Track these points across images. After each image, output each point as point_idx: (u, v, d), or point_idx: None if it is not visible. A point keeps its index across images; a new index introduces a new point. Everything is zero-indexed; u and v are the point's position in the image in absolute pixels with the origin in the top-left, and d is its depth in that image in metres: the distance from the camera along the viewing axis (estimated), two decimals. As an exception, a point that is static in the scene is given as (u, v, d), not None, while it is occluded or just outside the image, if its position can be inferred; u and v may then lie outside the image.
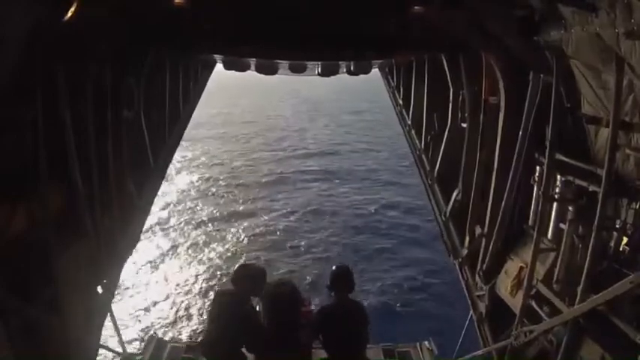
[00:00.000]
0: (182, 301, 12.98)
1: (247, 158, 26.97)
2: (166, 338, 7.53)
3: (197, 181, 23.01)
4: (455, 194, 5.64)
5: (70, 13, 2.82)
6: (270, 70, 5.65)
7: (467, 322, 5.52)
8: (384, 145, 28.11)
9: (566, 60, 3.21)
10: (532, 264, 3.71)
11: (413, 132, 7.44)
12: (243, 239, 16.97)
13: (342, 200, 20.61)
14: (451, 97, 5.72)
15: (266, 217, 18.99)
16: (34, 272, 3.19)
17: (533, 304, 3.72)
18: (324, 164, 25.96)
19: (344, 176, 24.24)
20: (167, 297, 13.33)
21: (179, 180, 22.62)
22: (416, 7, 3.60)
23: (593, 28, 2.59)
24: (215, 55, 5.87)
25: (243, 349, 4.11)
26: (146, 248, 15.77)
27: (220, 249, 16.28)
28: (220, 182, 22.98)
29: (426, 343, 5.81)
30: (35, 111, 3.09)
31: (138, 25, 3.78)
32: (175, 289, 13.82)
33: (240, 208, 20.03)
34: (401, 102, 8.14)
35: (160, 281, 14.35)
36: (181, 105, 6.67)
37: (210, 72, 7.64)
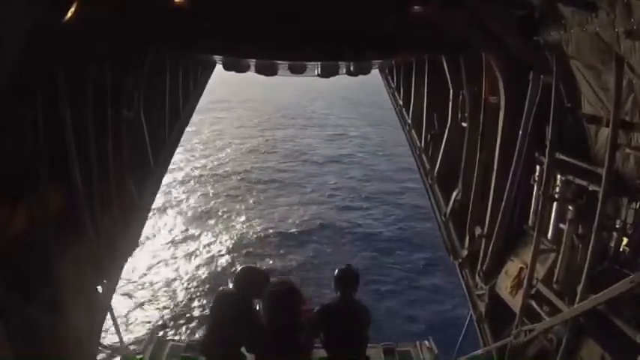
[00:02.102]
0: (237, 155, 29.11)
1: (266, 118, 43.42)
2: (167, 337, 7.55)
3: (238, 126, 39.85)
4: (455, 194, 5.64)
5: (70, 13, 2.82)
6: (270, 71, 5.64)
7: (467, 321, 5.52)
8: (359, 116, 43.74)
9: (566, 60, 3.21)
10: (532, 264, 3.71)
11: (413, 132, 7.43)
12: (269, 141, 33.75)
13: (324, 135, 36.07)
14: (451, 97, 5.71)
15: (280, 136, 35.50)
16: (34, 272, 3.20)
17: (534, 303, 3.72)
18: (315, 122, 41.79)
19: (328, 126, 39.93)
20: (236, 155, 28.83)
21: (228, 125, 39.76)
22: (416, 7, 3.60)
23: (593, 28, 2.59)
24: (215, 56, 5.87)
25: (243, 349, 4.13)
26: (214, 146, 31.39)
27: (254, 144, 32.35)
28: (251, 126, 39.61)
29: (426, 342, 5.80)
30: (35, 111, 3.09)
31: (138, 24, 3.78)
32: (239, 152, 29.85)
33: (265, 134, 36.23)
34: (401, 102, 8.13)
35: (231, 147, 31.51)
36: (181, 105, 6.67)
37: (211, 72, 7.64)
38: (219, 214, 18.43)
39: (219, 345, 3.90)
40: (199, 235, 16.58)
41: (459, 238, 5.52)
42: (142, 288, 13.48)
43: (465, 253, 5.28)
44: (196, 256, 15.28)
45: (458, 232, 5.57)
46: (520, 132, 4.05)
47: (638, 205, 2.99)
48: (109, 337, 6.45)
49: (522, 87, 3.94)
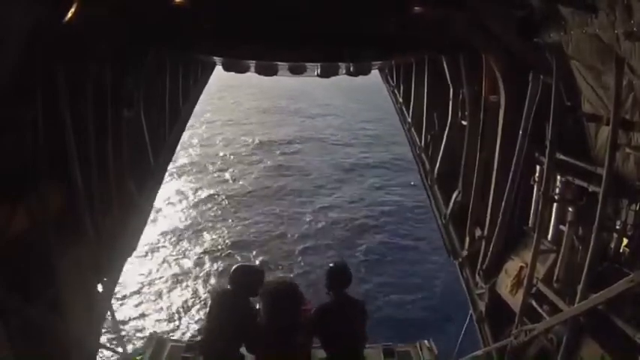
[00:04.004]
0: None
1: (273, 95, 50.51)
2: (167, 337, 7.55)
3: (252, 100, 48.12)
4: (455, 194, 5.64)
5: (70, 13, 2.82)
6: (270, 72, 5.63)
7: (467, 321, 5.52)
8: (347, 96, 50.94)
9: (566, 60, 3.21)
10: (532, 264, 3.71)
11: (413, 131, 7.43)
12: (277, 107, 43.68)
13: (317, 104, 45.92)
14: (451, 97, 5.71)
15: (284, 104, 45.71)
16: (34, 272, 3.19)
17: (534, 303, 3.72)
18: (311, 98, 49.68)
19: (321, 99, 48.92)
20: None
21: (245, 99, 48.48)
22: (416, 7, 3.60)
23: (593, 29, 2.60)
24: (214, 57, 5.87)
25: (242, 349, 4.13)
26: (238, 109, 42.22)
27: (265, 108, 43.34)
28: (262, 100, 47.94)
29: (426, 342, 5.81)
30: (35, 111, 3.09)
31: (138, 25, 3.78)
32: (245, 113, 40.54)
33: (274, 103, 45.79)
34: (401, 101, 8.13)
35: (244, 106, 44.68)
36: (181, 105, 6.67)
37: (211, 72, 7.63)
38: (243, 137, 31.14)
39: (218, 345, 3.90)
40: (236, 143, 29.82)
41: (459, 239, 5.52)
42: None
43: (465, 253, 5.28)
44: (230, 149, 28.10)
45: (458, 233, 5.57)
46: (520, 132, 4.05)
47: (638, 206, 3.00)
48: (109, 337, 6.46)
49: (522, 87, 3.94)
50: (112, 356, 5.86)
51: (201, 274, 13.51)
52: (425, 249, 14.43)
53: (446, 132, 5.97)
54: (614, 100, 2.78)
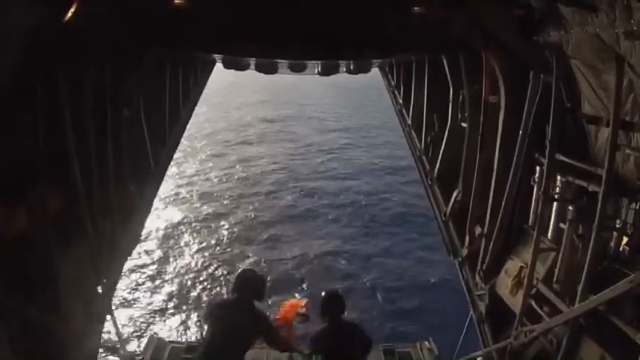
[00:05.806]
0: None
1: (273, 88, 57.19)
2: (167, 339, 7.56)
3: (256, 93, 55.53)
4: (455, 194, 5.63)
5: (70, 13, 2.82)
6: (270, 70, 5.63)
7: (467, 321, 5.52)
8: (336, 91, 58.59)
9: (566, 59, 3.21)
10: (532, 264, 3.71)
11: (413, 132, 7.43)
12: (275, 98, 52.05)
13: (309, 97, 54.46)
14: (451, 97, 5.71)
15: (283, 99, 52.01)
16: (34, 272, 3.19)
17: (534, 303, 3.72)
18: (304, 91, 58.10)
19: (313, 95, 56.31)
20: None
21: (248, 93, 56.01)
22: (416, 7, 3.60)
23: (593, 29, 2.59)
24: (215, 55, 5.87)
25: (246, 355, 4.12)
26: (245, 98, 52.38)
27: (266, 98, 52.51)
28: (263, 92, 55.32)
29: (426, 342, 5.81)
30: (35, 111, 3.09)
31: (138, 24, 3.78)
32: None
33: (275, 94, 53.80)
34: (401, 101, 8.13)
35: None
36: (181, 105, 6.67)
37: (211, 71, 7.63)
38: (251, 115, 41.72)
39: (223, 351, 3.86)
40: (246, 118, 40.72)
41: (459, 239, 5.52)
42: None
43: (465, 252, 5.28)
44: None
45: (458, 233, 5.57)
46: (520, 132, 4.05)
47: (638, 206, 2.99)
48: (108, 338, 6.46)
49: (522, 87, 3.94)
50: (112, 356, 5.86)
51: (237, 177, 23.15)
52: (369, 166, 25.54)
53: (446, 131, 5.97)
54: (614, 101, 2.78)
